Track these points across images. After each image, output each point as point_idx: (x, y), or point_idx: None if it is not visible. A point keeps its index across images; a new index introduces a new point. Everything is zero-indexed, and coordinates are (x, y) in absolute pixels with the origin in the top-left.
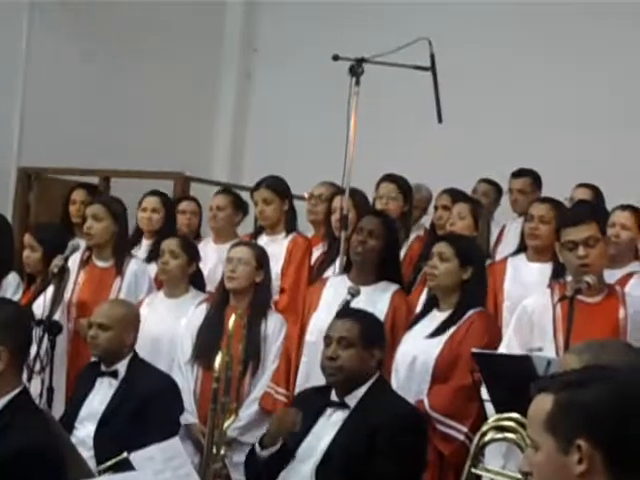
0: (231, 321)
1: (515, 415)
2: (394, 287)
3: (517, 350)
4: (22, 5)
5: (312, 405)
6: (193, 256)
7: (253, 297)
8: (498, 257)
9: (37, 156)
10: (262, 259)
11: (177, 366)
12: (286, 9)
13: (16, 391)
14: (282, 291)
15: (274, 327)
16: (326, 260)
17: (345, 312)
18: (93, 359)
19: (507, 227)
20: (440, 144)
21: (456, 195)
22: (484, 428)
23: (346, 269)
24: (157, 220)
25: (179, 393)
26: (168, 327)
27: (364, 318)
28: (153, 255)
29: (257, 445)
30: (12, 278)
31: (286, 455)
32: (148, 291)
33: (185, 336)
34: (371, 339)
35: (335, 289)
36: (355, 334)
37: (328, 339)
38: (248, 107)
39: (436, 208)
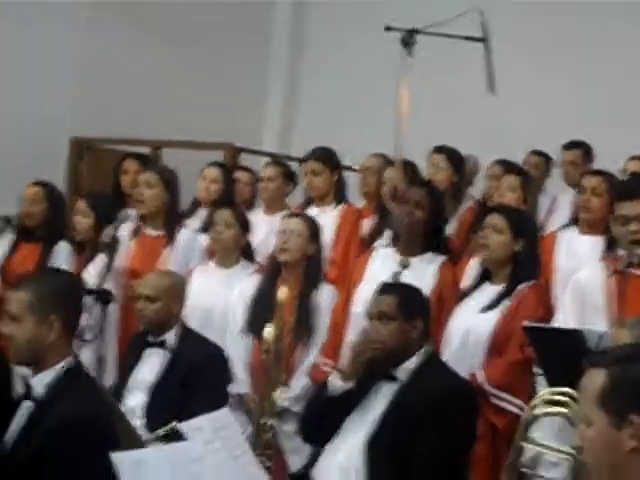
0: (282, 292)
1: (567, 389)
2: (441, 258)
3: (573, 323)
4: None
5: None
6: (246, 227)
7: (305, 269)
8: (550, 229)
9: (89, 126)
10: (314, 231)
11: (229, 335)
12: None
13: (68, 360)
14: (332, 262)
15: (326, 298)
16: (377, 232)
17: (383, 287)
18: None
19: (559, 198)
20: (492, 115)
21: (508, 166)
22: (534, 401)
23: (393, 240)
24: (215, 190)
25: (227, 363)
26: (220, 297)
27: (402, 291)
28: (208, 225)
29: (332, 378)
30: (63, 245)
31: (354, 400)
32: (198, 261)
33: (237, 306)
34: (411, 311)
35: (381, 260)
36: (394, 307)
37: (369, 315)
38: (298, 79)
39: (487, 179)
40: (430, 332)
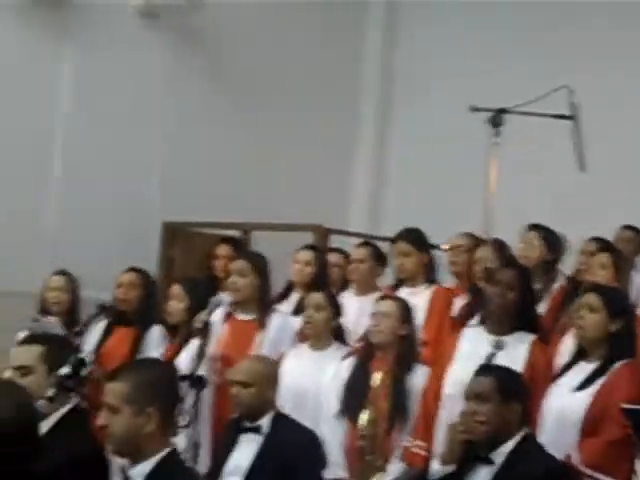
0: (376, 378)
1: None
2: (531, 337)
3: None
4: (162, 65)
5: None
6: (337, 310)
7: (398, 351)
8: None
9: (180, 211)
10: (406, 312)
11: (325, 419)
12: (422, 61)
13: (166, 451)
14: (425, 343)
15: (421, 380)
16: (468, 312)
17: (480, 368)
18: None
19: None
20: (583, 193)
21: (602, 243)
22: None
23: (481, 320)
24: (308, 273)
25: (322, 448)
26: (313, 379)
27: (500, 373)
28: (300, 308)
29: (434, 462)
30: (156, 330)
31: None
32: (291, 344)
33: (332, 389)
34: (508, 393)
35: (471, 340)
36: (490, 389)
37: (466, 396)
38: (385, 157)
39: (582, 253)
40: (528, 415)
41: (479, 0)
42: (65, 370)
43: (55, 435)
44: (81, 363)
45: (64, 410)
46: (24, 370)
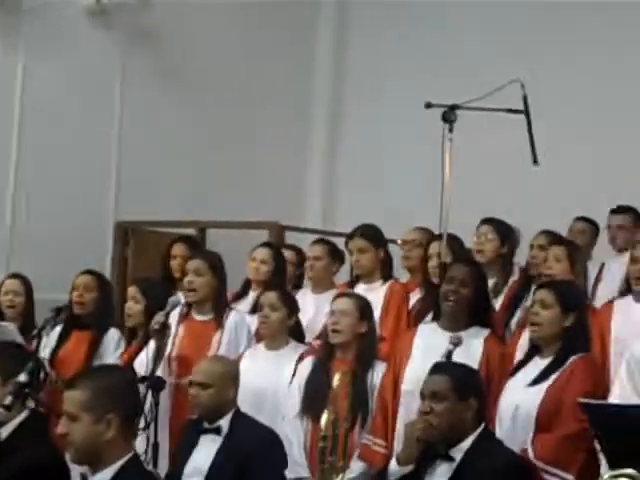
0: (335, 379)
1: (630, 471)
2: (485, 332)
3: (633, 399)
4: (114, 65)
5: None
6: (292, 308)
7: (358, 348)
8: (599, 296)
9: (133, 210)
10: (365, 310)
11: (286, 420)
12: (374, 58)
13: (127, 457)
14: (382, 339)
15: (381, 377)
16: (424, 307)
17: (436, 367)
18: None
19: (606, 265)
20: (536, 185)
21: (553, 237)
22: None
23: (435, 316)
24: (265, 271)
25: (283, 447)
26: (270, 379)
27: (455, 370)
28: (258, 306)
29: (392, 462)
30: (113, 333)
31: None
32: (248, 343)
33: (293, 389)
34: (464, 391)
35: (427, 337)
36: (446, 387)
37: (422, 395)
38: (339, 153)
39: (531, 247)
40: (485, 411)
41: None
42: (22, 377)
43: (13, 442)
44: (38, 369)
45: (22, 417)
46: None
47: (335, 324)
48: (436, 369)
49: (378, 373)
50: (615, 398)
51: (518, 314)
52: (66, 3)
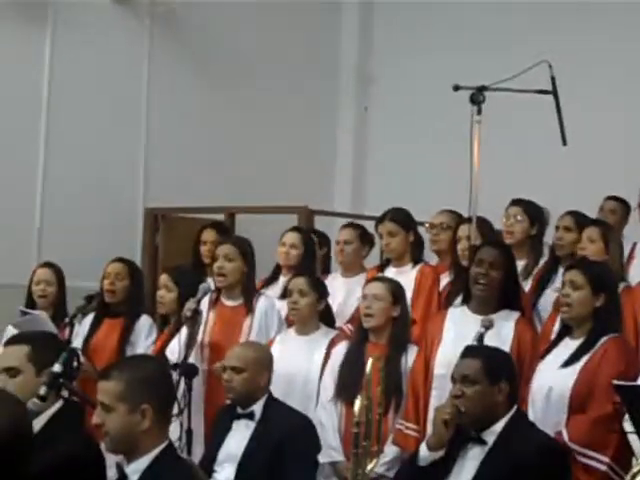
0: (368, 364)
1: None
2: (516, 315)
3: None
4: (141, 52)
5: (450, 443)
6: (322, 293)
7: (392, 332)
8: (631, 275)
9: (162, 196)
10: (398, 293)
11: (320, 404)
12: (402, 40)
13: (162, 446)
14: (413, 322)
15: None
16: (453, 290)
17: (467, 350)
18: (228, 401)
19: (638, 245)
20: (566, 166)
21: (578, 217)
22: (635, 469)
23: (465, 299)
24: (295, 256)
25: (316, 432)
26: (301, 364)
27: (486, 354)
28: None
29: (422, 447)
30: (145, 320)
31: (444, 467)
32: (278, 328)
33: (327, 374)
34: (496, 374)
35: (457, 320)
36: (477, 371)
37: (453, 379)
38: (367, 136)
39: (557, 228)
40: (517, 393)
41: None
42: (56, 368)
43: (48, 433)
44: (72, 359)
45: (56, 408)
46: (12, 371)
47: (368, 308)
48: (467, 352)
49: (412, 357)
50: None
51: (547, 295)
52: None
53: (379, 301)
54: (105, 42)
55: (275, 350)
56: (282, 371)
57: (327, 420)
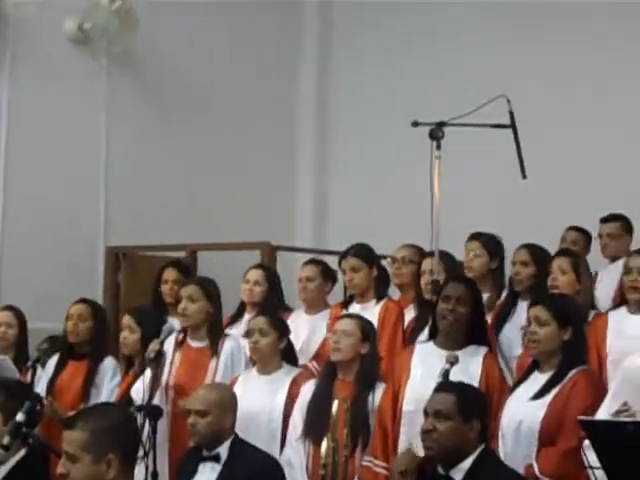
0: (334, 406)
1: None
2: (483, 350)
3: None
4: (99, 92)
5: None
6: (282, 332)
7: (359, 369)
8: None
9: (123, 234)
10: (367, 331)
11: (288, 443)
12: (360, 74)
13: None
14: (379, 359)
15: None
16: (418, 325)
17: (441, 385)
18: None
19: (600, 275)
20: (526, 198)
21: (535, 250)
22: None
23: (431, 335)
24: (259, 293)
25: (282, 472)
26: (263, 404)
27: (461, 390)
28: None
29: None
30: (109, 362)
31: None
32: (245, 368)
33: (296, 412)
34: (469, 411)
35: (425, 356)
36: (451, 407)
37: (425, 412)
38: (328, 171)
39: (514, 263)
40: (487, 431)
41: (414, 16)
42: (19, 417)
43: None
44: (34, 408)
45: (19, 456)
46: None
47: (337, 342)
48: (442, 387)
49: (378, 395)
50: (604, 413)
51: (507, 329)
52: (50, 31)
53: (348, 337)
54: (63, 81)
55: (237, 390)
56: (245, 410)
57: (295, 459)
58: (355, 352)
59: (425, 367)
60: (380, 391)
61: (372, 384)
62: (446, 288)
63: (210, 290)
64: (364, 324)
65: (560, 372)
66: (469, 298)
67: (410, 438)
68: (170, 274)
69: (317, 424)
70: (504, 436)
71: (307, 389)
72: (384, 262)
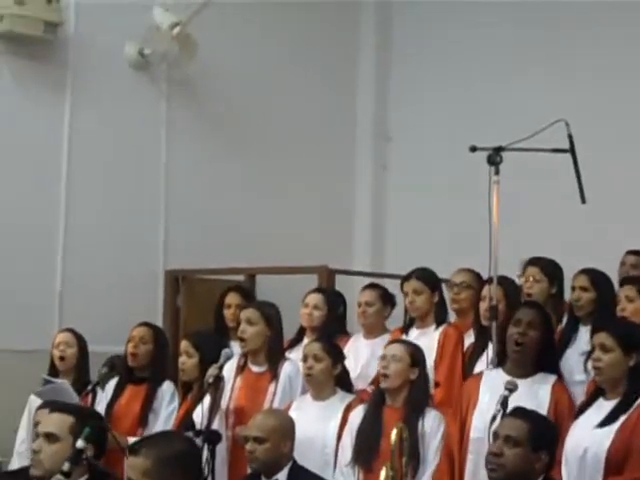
0: (393, 434)
1: None
2: (553, 378)
3: None
4: (159, 116)
5: None
6: (337, 358)
7: (408, 395)
8: None
9: (182, 258)
10: (416, 356)
11: (338, 469)
12: (418, 100)
13: None
14: (436, 384)
15: (432, 424)
16: (476, 350)
17: (517, 411)
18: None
19: None
20: (585, 222)
21: (594, 275)
22: None
23: (500, 362)
24: (318, 317)
25: None
26: (317, 430)
27: (534, 419)
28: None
29: None
30: (167, 387)
31: None
32: (303, 392)
33: (346, 437)
34: (540, 442)
35: (492, 383)
36: (523, 434)
37: (495, 435)
38: (385, 196)
39: (573, 289)
40: (552, 465)
41: (472, 39)
42: (79, 444)
43: None
44: (97, 434)
45: None
46: (52, 438)
47: (385, 368)
48: (516, 412)
49: (428, 421)
50: None
51: (569, 355)
52: (110, 57)
53: (397, 362)
54: (123, 106)
55: (292, 415)
56: (299, 437)
57: None
58: (404, 378)
59: (492, 394)
60: (429, 417)
61: (422, 410)
62: (518, 313)
63: (269, 314)
64: (413, 349)
65: (627, 399)
66: (540, 323)
67: (476, 465)
68: (233, 298)
69: (366, 450)
70: (568, 463)
71: (356, 414)
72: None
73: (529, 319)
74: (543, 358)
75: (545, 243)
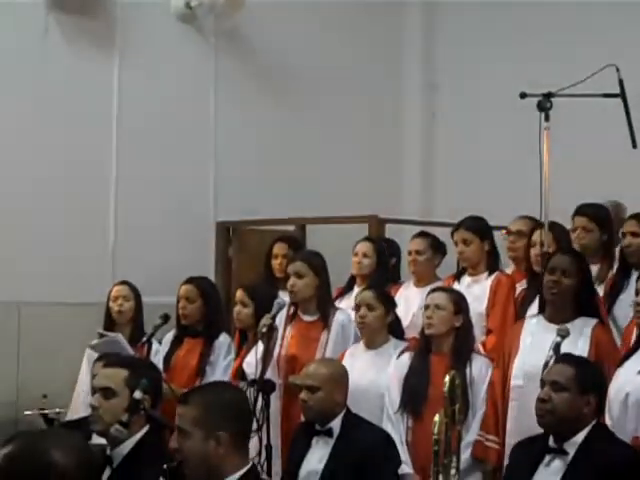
0: (446, 381)
1: None
2: (593, 322)
3: None
4: (207, 69)
5: (530, 455)
6: (389, 306)
7: (454, 342)
8: None
9: (233, 209)
10: (460, 303)
11: (387, 417)
12: (467, 46)
13: (242, 471)
14: (489, 332)
15: (479, 370)
16: (527, 297)
17: (563, 357)
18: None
19: None
20: (635, 167)
21: None
22: None
23: (540, 308)
24: (367, 265)
25: (395, 446)
26: (371, 378)
27: (581, 364)
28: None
29: None
30: (223, 339)
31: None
32: (355, 341)
33: (392, 386)
34: (586, 385)
35: (534, 330)
36: (569, 379)
37: (543, 382)
38: (434, 144)
39: (624, 235)
40: (602, 408)
41: None
42: (137, 394)
43: (134, 459)
44: (154, 385)
45: (142, 433)
46: (108, 392)
47: (429, 318)
48: (562, 359)
49: (475, 367)
50: None
51: (622, 301)
52: (157, 9)
53: (441, 310)
54: (171, 60)
55: (345, 364)
56: (352, 385)
57: (394, 433)
58: (448, 325)
59: (534, 341)
60: (477, 363)
61: (467, 356)
62: (552, 260)
63: (316, 264)
64: (456, 297)
65: None
66: (576, 270)
67: (519, 413)
68: (280, 249)
69: (415, 397)
70: (611, 407)
71: (401, 362)
72: (496, 233)
73: (563, 267)
74: (582, 303)
75: (596, 189)
